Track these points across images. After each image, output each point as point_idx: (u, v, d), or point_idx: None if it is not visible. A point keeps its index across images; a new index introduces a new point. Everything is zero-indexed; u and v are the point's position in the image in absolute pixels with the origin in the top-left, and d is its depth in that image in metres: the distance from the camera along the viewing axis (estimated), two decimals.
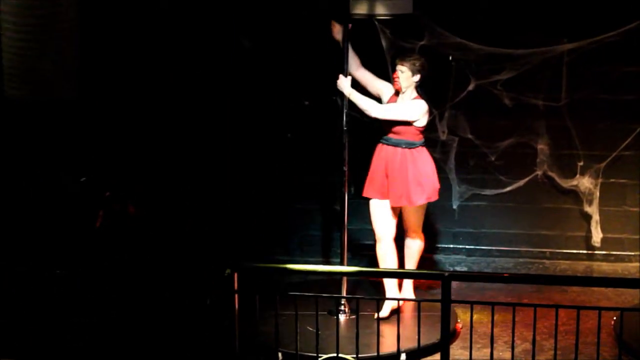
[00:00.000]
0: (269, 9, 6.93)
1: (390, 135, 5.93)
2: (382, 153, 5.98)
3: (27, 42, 5.76)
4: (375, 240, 6.07)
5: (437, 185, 6.03)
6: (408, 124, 5.87)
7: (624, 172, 6.92)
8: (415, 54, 6.09)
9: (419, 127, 5.92)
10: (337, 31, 5.91)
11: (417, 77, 5.88)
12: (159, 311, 5.12)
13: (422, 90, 5.94)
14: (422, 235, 6.16)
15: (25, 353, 5.04)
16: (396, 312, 5.60)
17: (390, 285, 6.00)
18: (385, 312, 5.89)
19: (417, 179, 5.90)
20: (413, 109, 5.87)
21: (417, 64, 5.88)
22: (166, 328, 5.21)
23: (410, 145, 5.91)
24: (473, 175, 7.06)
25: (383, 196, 5.97)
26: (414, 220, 6.06)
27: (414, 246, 6.14)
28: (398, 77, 5.89)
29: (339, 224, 6.06)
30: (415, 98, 5.90)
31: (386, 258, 6.00)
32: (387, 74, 6.74)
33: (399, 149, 5.91)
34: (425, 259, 7.13)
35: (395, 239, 6.06)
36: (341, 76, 5.85)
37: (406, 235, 6.14)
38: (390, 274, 6.00)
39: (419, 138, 5.96)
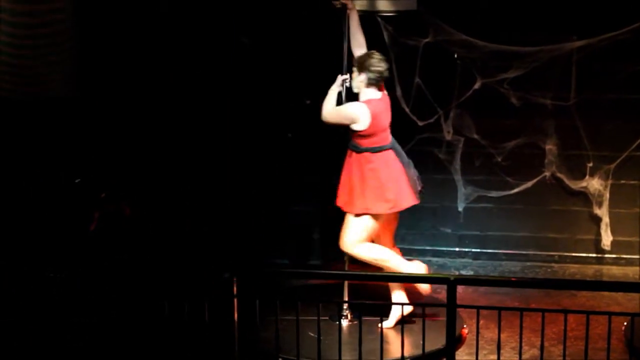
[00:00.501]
0: (270, 7, 6.93)
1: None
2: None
3: (22, 41, 5.79)
4: None
5: (386, 199, 5.73)
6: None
7: (634, 173, 6.93)
8: (368, 50, 5.81)
9: (357, 131, 5.68)
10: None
11: (363, 77, 5.67)
12: (157, 316, 5.11)
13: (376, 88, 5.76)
14: (350, 248, 5.82)
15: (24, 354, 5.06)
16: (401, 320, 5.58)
17: (397, 293, 5.94)
18: (391, 322, 5.86)
19: (359, 186, 5.74)
20: (345, 112, 5.71)
21: (361, 62, 5.68)
22: (164, 333, 5.20)
23: (355, 149, 5.75)
24: (479, 177, 7.06)
25: None
26: (347, 227, 5.82)
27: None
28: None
29: (340, 226, 6.00)
30: (364, 101, 5.72)
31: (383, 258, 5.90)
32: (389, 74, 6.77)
33: (349, 151, 5.80)
34: (431, 263, 7.18)
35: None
36: (339, 75, 5.80)
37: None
38: (393, 278, 6.00)
39: (364, 143, 5.72)
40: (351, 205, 5.77)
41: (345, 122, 5.69)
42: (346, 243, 5.85)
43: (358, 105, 5.68)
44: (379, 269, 5.93)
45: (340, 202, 5.84)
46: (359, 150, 5.74)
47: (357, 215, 5.77)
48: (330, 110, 5.74)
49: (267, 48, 7.00)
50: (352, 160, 5.77)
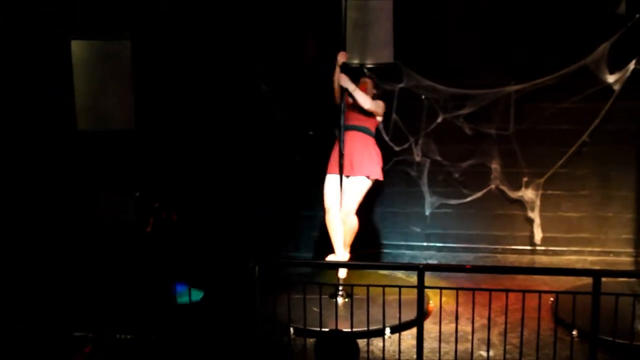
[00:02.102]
0: (283, 56, 6.95)
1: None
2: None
3: (94, 85, 5.83)
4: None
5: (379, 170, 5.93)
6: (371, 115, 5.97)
7: (558, 186, 6.95)
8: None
9: (377, 120, 6.05)
10: (341, 78, 5.82)
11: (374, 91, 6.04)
12: (197, 295, 5.12)
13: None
14: (352, 212, 5.91)
15: (93, 325, 5.04)
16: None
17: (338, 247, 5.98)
18: (342, 274, 5.97)
19: (373, 157, 5.92)
20: (382, 105, 6.05)
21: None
22: (203, 309, 5.21)
23: (368, 132, 5.96)
24: (441, 189, 7.07)
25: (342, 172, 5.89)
26: (351, 195, 5.87)
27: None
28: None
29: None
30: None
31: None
32: None
33: (354, 132, 5.90)
34: (405, 254, 7.21)
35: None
36: (342, 75, 5.82)
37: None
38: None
39: (374, 130, 6.02)
40: (369, 170, 5.86)
41: (380, 111, 5.96)
42: (353, 208, 5.87)
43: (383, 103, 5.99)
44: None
45: (352, 171, 5.86)
46: (371, 134, 5.94)
47: (366, 181, 5.86)
48: (371, 102, 5.92)
49: (281, 91, 7.00)
50: (359, 139, 5.86)
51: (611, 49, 6.41)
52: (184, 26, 6.86)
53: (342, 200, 5.86)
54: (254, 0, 6.90)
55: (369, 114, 5.95)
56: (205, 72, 6.96)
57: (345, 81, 5.81)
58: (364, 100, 5.89)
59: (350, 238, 5.98)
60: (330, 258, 5.97)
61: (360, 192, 5.90)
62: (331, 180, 5.94)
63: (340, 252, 5.93)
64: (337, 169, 5.87)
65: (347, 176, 5.89)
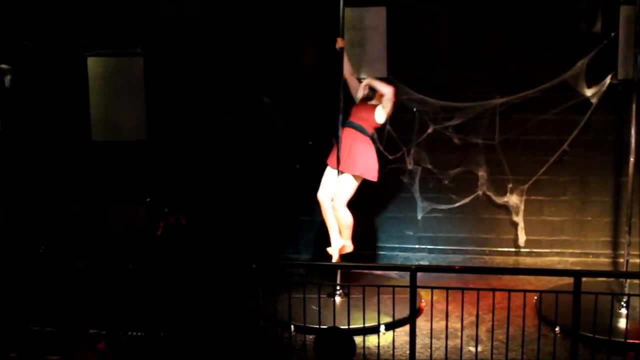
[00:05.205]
0: (284, 70, 6.92)
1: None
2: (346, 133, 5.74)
3: (108, 98, 5.83)
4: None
5: (371, 169, 5.69)
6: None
7: (541, 192, 6.91)
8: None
9: (377, 122, 5.76)
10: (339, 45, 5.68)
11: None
12: (203, 296, 5.10)
13: None
14: (341, 206, 5.72)
15: (106, 323, 5.01)
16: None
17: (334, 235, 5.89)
18: (334, 254, 5.87)
19: (361, 155, 5.69)
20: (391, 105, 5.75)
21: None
22: (208, 308, 5.19)
23: (364, 132, 5.74)
24: (432, 195, 7.04)
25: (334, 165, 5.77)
26: (338, 190, 5.69)
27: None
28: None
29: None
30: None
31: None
32: None
33: (349, 129, 5.72)
34: (398, 256, 7.17)
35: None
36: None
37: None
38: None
39: (372, 131, 5.79)
40: (360, 169, 5.66)
41: (388, 111, 5.70)
42: (341, 203, 5.71)
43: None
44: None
45: (344, 167, 5.70)
46: (368, 134, 5.74)
47: (353, 180, 5.68)
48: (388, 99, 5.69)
49: (283, 105, 6.97)
50: (355, 137, 5.69)
51: (589, 65, 6.42)
52: (192, 43, 6.81)
53: (334, 193, 5.75)
54: (256, 16, 6.88)
55: (370, 115, 5.73)
56: (211, 85, 6.92)
57: (369, 83, 5.73)
58: (383, 86, 5.68)
59: (346, 231, 5.83)
60: (329, 250, 5.89)
61: (347, 189, 5.69)
62: (328, 173, 5.83)
63: (336, 242, 5.84)
64: (334, 162, 5.76)
65: (341, 172, 5.74)
